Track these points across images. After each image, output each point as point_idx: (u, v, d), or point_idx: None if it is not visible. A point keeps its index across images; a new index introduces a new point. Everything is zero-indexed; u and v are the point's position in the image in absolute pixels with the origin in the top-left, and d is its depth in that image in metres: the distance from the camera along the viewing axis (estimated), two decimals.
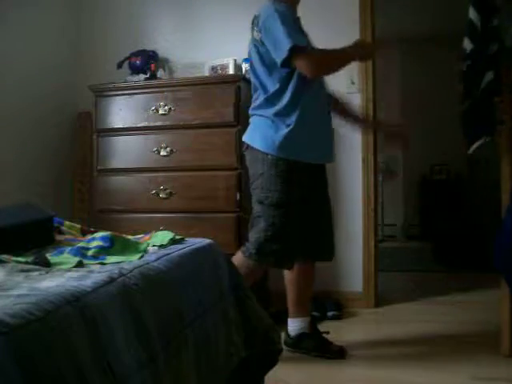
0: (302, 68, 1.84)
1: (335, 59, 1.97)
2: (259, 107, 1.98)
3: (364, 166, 2.92)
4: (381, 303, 2.96)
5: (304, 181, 1.97)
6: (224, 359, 1.28)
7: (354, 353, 2.25)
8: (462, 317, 2.72)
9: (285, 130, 1.90)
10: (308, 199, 2.00)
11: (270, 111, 1.93)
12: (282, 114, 1.91)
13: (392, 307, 2.95)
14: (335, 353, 2.11)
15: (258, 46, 1.94)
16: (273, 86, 1.92)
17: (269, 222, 1.91)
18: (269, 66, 1.92)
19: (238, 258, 1.92)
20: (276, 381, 1.67)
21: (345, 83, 2.94)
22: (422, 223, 6.08)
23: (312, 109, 1.95)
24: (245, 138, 2.04)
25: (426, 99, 6.05)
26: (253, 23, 1.97)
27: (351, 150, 2.94)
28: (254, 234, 1.94)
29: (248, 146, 2.01)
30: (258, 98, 1.99)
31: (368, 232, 2.93)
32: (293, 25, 1.88)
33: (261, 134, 1.95)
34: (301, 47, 1.82)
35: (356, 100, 2.92)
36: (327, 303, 2.76)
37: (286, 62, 1.83)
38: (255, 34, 1.94)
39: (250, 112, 2.05)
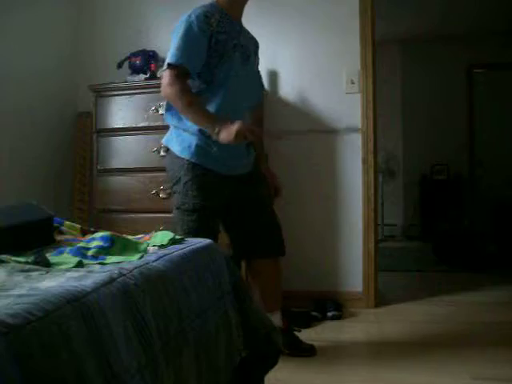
0: (162, 83, 1.84)
1: (188, 110, 1.85)
2: (170, 109, 1.97)
3: (364, 166, 2.92)
4: (381, 303, 2.96)
5: (224, 189, 1.94)
6: (224, 359, 1.28)
7: (354, 353, 2.25)
8: (461, 317, 2.72)
9: (197, 136, 1.88)
10: (233, 205, 1.99)
11: (175, 113, 1.93)
12: (180, 116, 1.92)
13: (392, 307, 2.95)
14: (306, 351, 2.12)
15: None
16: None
17: (183, 228, 1.87)
18: None
19: None
20: (276, 381, 1.67)
21: (345, 83, 2.95)
22: (422, 223, 6.08)
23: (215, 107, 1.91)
24: (164, 141, 2.03)
25: (426, 99, 6.05)
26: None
27: (351, 149, 2.95)
28: None
29: (167, 149, 2.01)
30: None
31: (368, 232, 2.93)
32: (192, 36, 1.85)
33: (178, 137, 1.94)
34: (174, 68, 1.81)
35: (356, 100, 2.93)
36: (327, 303, 2.76)
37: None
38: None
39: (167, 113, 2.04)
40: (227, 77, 1.90)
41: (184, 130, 1.92)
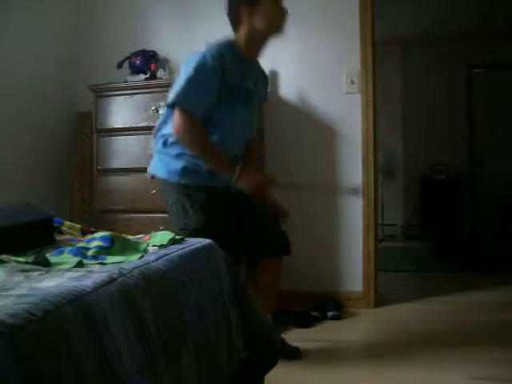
0: (173, 123, 1.81)
1: (205, 155, 1.85)
2: (158, 133, 1.98)
3: (364, 166, 2.92)
4: (381, 303, 2.96)
5: (221, 199, 1.93)
6: (224, 359, 1.28)
7: (354, 353, 2.25)
8: (461, 317, 2.72)
9: (183, 160, 1.88)
10: (235, 210, 1.97)
11: (165, 140, 1.92)
12: (169, 142, 1.91)
13: (392, 307, 2.95)
14: (291, 353, 2.08)
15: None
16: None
17: None
18: None
19: None
20: (276, 381, 1.67)
21: (345, 83, 2.95)
22: (422, 223, 6.08)
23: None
24: (150, 170, 2.02)
25: (426, 99, 6.05)
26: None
27: (351, 150, 2.94)
28: None
29: (154, 177, 2.01)
30: (158, 128, 2.00)
31: (368, 232, 2.93)
32: (202, 79, 1.80)
33: (163, 163, 1.94)
34: (186, 110, 1.79)
35: (356, 100, 2.93)
36: (327, 303, 2.76)
37: (170, 107, 1.85)
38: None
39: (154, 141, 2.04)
40: (225, 117, 1.89)
41: (167, 155, 1.92)
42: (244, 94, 1.94)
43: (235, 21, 1.94)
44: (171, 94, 1.82)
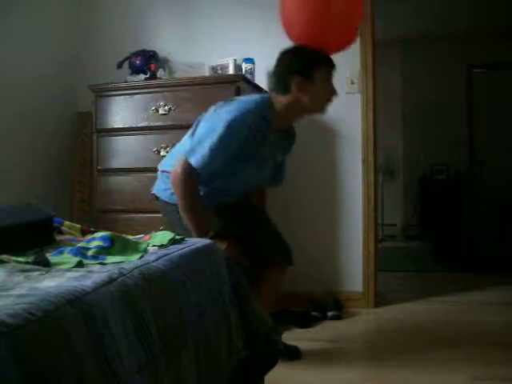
0: (177, 170, 1.79)
1: (186, 212, 1.82)
2: (169, 161, 1.98)
3: (364, 166, 2.92)
4: (381, 303, 2.96)
5: (223, 212, 1.93)
6: (224, 359, 1.28)
7: (354, 353, 2.25)
8: (461, 317, 2.72)
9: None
10: (240, 220, 1.98)
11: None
12: None
13: (392, 307, 2.95)
14: (290, 353, 2.07)
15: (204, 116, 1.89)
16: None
17: None
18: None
19: None
20: (276, 381, 1.67)
21: (345, 83, 2.95)
22: (422, 223, 6.08)
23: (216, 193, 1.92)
24: (153, 190, 2.08)
25: (426, 99, 6.05)
26: (230, 101, 1.86)
27: (351, 150, 2.95)
28: None
29: (157, 198, 2.05)
30: (173, 154, 2.00)
31: (368, 232, 2.93)
32: (225, 146, 1.76)
33: (164, 184, 1.97)
34: (193, 168, 1.76)
35: (356, 100, 2.93)
36: (327, 303, 2.76)
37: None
38: (210, 111, 1.87)
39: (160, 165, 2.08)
40: (234, 175, 1.87)
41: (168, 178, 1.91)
42: (257, 160, 1.90)
43: (281, 87, 1.85)
44: (188, 148, 1.78)
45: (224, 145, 1.75)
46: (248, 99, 1.86)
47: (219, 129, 1.74)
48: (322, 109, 1.91)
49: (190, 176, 1.78)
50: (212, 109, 1.88)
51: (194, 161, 1.76)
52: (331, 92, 1.87)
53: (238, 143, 1.77)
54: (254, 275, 1.97)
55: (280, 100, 1.85)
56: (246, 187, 2.04)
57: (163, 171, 2.02)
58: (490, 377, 1.89)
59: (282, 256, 2.09)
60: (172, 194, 1.89)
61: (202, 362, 1.13)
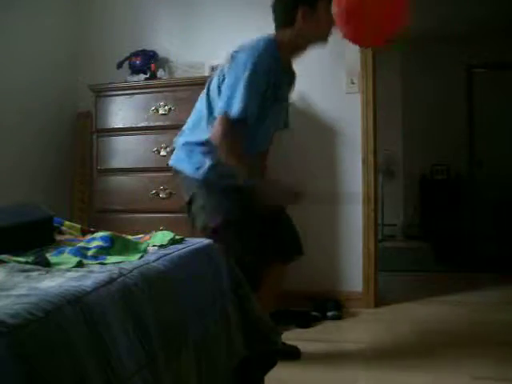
0: (214, 130, 1.78)
1: (232, 158, 1.82)
2: (192, 130, 1.95)
3: (364, 166, 2.92)
4: (381, 303, 2.96)
5: (243, 200, 1.90)
6: (224, 359, 1.28)
7: (354, 353, 2.25)
8: (462, 317, 2.72)
9: (211, 156, 1.86)
10: (251, 217, 1.93)
11: (202, 138, 1.88)
12: (206, 142, 1.86)
13: (392, 307, 2.95)
14: (290, 353, 2.06)
15: (220, 78, 1.86)
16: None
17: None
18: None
19: None
20: (276, 381, 1.67)
21: (345, 83, 2.95)
22: (422, 223, 6.08)
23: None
24: (172, 163, 1.99)
25: (426, 99, 6.05)
26: (236, 52, 1.85)
27: (351, 150, 2.94)
28: None
29: (177, 171, 1.97)
30: (194, 121, 1.96)
31: (368, 232, 2.92)
32: (256, 87, 1.77)
33: (189, 158, 1.91)
34: (231, 118, 1.75)
35: (356, 100, 2.93)
36: (327, 303, 2.76)
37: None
38: (226, 67, 1.85)
39: (180, 137, 2.01)
40: (256, 122, 1.86)
41: (196, 152, 1.89)
42: (277, 101, 1.92)
43: (286, 20, 1.87)
44: (222, 105, 1.77)
45: (254, 84, 1.75)
46: (256, 44, 1.83)
47: (244, 74, 1.75)
48: (324, 40, 1.92)
49: (231, 129, 1.77)
50: (225, 68, 1.85)
51: (234, 110, 1.74)
52: (331, 22, 1.85)
53: (265, 79, 1.78)
54: (259, 272, 1.94)
55: (284, 34, 1.87)
56: (269, 137, 2.05)
57: (186, 143, 1.95)
58: (490, 376, 1.89)
59: (292, 250, 2.07)
60: (198, 168, 1.86)
61: (202, 361, 1.13)
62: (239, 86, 1.75)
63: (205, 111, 1.90)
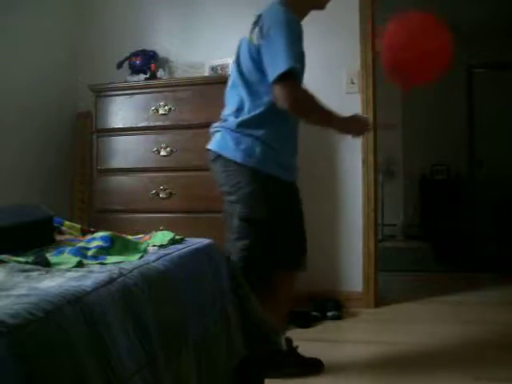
0: (280, 96, 1.68)
1: (317, 112, 1.80)
2: (236, 114, 1.82)
3: (364, 166, 2.92)
4: (381, 303, 2.96)
5: (286, 196, 1.88)
6: (224, 359, 1.28)
7: (354, 353, 2.25)
8: (462, 317, 2.72)
9: (261, 141, 1.78)
10: (290, 214, 1.91)
11: (247, 119, 1.79)
12: (255, 125, 1.78)
13: (392, 307, 2.95)
14: (316, 367, 1.99)
15: (253, 51, 1.76)
16: (265, 95, 1.77)
17: (249, 239, 1.78)
18: (262, 73, 1.76)
19: None
20: (275, 382, 1.67)
21: (345, 83, 2.95)
22: (422, 223, 6.08)
23: (286, 125, 1.86)
24: (214, 147, 1.85)
25: (426, 99, 6.05)
26: (255, 23, 1.80)
27: (351, 150, 2.94)
28: (238, 252, 1.79)
29: (219, 156, 1.83)
30: (237, 105, 1.83)
31: (368, 232, 2.92)
32: (297, 42, 1.72)
33: (238, 143, 1.78)
34: (293, 74, 1.66)
35: (356, 100, 2.93)
36: (327, 303, 2.76)
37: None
38: (254, 37, 1.75)
39: (224, 122, 1.87)
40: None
41: (248, 136, 1.78)
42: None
43: None
44: (273, 68, 1.67)
45: (293, 35, 1.71)
46: (272, 10, 1.77)
47: (281, 30, 1.69)
48: (324, 4, 1.96)
49: (298, 86, 1.73)
50: (252, 40, 1.77)
51: (288, 64, 1.64)
52: None
53: (300, 31, 1.76)
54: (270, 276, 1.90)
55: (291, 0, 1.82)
56: None
57: (233, 128, 1.81)
58: (490, 377, 1.88)
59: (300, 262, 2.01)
60: (250, 155, 1.76)
61: (202, 361, 1.13)
62: (280, 43, 1.68)
63: (243, 93, 1.80)
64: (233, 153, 1.79)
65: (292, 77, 1.67)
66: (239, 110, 1.81)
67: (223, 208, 1.92)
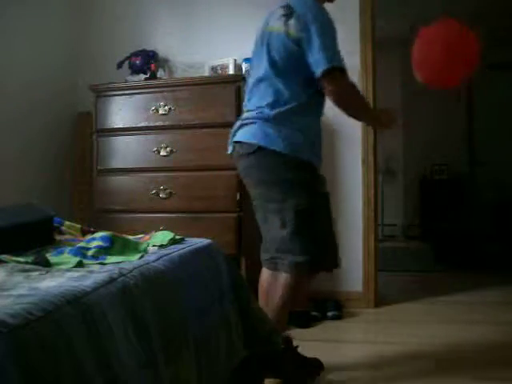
0: (332, 90, 1.71)
1: (360, 105, 1.88)
2: (273, 105, 1.77)
3: (364, 166, 2.92)
4: (381, 303, 2.96)
5: (324, 186, 1.92)
6: (224, 359, 1.28)
7: (354, 353, 2.25)
8: (462, 317, 2.72)
9: (301, 132, 1.78)
10: (328, 204, 1.92)
11: (284, 111, 1.76)
12: (293, 116, 1.76)
13: (392, 307, 2.95)
14: (316, 367, 1.96)
15: (291, 43, 1.73)
16: (302, 87, 1.77)
17: (310, 231, 1.75)
18: (299, 65, 1.75)
19: (272, 281, 1.77)
20: (275, 381, 1.67)
21: None
22: (422, 223, 6.08)
23: (319, 116, 1.90)
24: (251, 138, 1.78)
25: (426, 99, 6.04)
26: (286, 15, 1.73)
27: (351, 150, 2.94)
28: (298, 245, 1.73)
29: (259, 148, 1.75)
30: (273, 97, 1.78)
31: (368, 232, 2.93)
32: (336, 36, 1.74)
33: (278, 134, 1.74)
34: (343, 69, 1.71)
35: None
36: (327, 303, 2.76)
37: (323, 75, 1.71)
38: (293, 30, 1.71)
39: (257, 110, 1.80)
40: None
41: (286, 126, 1.75)
42: None
43: None
44: (321, 60, 1.67)
45: (333, 29, 1.74)
46: (302, 0, 1.77)
47: (323, 24, 1.71)
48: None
49: (348, 80, 1.77)
50: (290, 29, 1.74)
51: (339, 58, 1.71)
52: None
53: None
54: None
55: None
56: None
57: (268, 120, 1.77)
58: (490, 377, 1.88)
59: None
60: (293, 144, 1.74)
61: (202, 361, 1.13)
62: (328, 36, 1.71)
63: (279, 85, 1.77)
64: (277, 143, 1.74)
65: (344, 70, 1.73)
66: (275, 102, 1.78)
67: (254, 205, 1.87)
